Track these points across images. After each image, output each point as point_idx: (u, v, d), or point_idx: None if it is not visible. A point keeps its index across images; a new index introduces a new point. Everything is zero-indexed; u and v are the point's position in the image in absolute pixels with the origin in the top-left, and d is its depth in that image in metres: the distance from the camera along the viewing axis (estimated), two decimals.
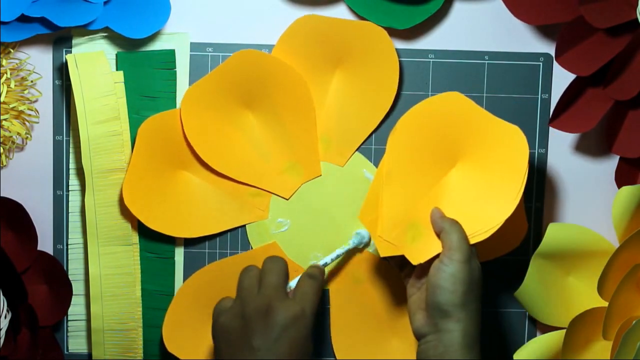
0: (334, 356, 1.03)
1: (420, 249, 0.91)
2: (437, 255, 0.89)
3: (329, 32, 0.98)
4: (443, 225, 0.89)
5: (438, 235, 0.90)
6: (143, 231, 1.00)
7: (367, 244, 1.01)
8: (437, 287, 0.87)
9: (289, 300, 0.88)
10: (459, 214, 0.91)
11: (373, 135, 1.01)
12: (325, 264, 0.96)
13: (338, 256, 0.98)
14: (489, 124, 0.92)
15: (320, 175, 1.01)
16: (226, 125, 0.99)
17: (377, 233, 0.93)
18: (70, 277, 1.00)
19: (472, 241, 0.89)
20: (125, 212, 0.99)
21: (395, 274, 1.01)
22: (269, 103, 0.99)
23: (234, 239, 1.02)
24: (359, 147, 1.01)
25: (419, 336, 0.89)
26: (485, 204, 0.91)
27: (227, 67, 0.97)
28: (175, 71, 0.99)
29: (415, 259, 0.90)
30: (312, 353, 0.88)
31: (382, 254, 0.93)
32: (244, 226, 1.01)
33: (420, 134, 0.94)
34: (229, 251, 1.02)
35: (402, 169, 0.94)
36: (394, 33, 0.99)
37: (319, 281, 0.91)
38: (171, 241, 1.01)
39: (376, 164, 1.01)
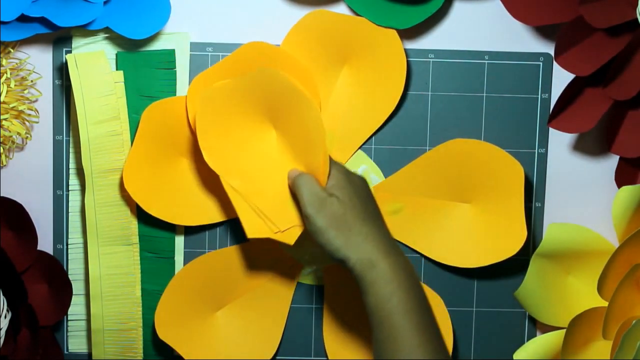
0: (326, 356, 1.03)
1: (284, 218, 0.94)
2: None
3: (339, 28, 0.98)
4: (294, 182, 0.91)
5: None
6: (143, 230, 1.00)
7: None
8: (320, 244, 0.89)
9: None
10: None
11: (374, 135, 1.01)
12: None
13: None
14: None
15: None
16: None
17: (273, 230, 0.94)
18: (70, 277, 1.00)
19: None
20: (125, 211, 0.99)
21: None
22: None
23: (234, 236, 1.02)
24: (362, 145, 1.01)
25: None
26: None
27: (236, 57, 0.97)
28: (175, 71, 0.99)
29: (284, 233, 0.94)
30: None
31: (249, 235, 0.93)
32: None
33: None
34: None
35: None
36: None
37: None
38: (171, 240, 1.01)
39: (376, 163, 1.01)
